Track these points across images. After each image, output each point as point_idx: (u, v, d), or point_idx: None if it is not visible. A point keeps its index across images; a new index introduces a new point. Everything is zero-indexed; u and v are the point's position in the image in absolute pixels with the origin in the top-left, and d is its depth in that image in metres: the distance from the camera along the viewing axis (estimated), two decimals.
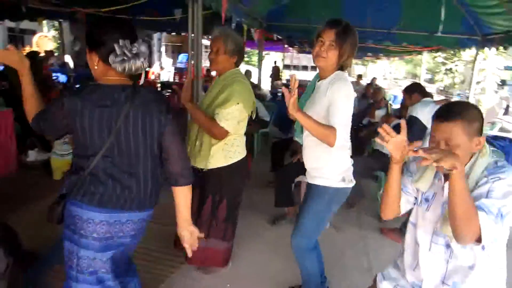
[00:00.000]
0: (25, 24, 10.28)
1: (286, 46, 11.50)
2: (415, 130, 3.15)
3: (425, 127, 3.14)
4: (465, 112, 1.38)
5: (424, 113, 3.13)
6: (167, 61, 18.07)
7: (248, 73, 8.18)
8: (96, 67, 1.58)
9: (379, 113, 5.16)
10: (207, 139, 2.38)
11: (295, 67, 26.29)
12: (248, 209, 3.60)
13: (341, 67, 2.08)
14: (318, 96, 2.10)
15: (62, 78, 9.74)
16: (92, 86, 1.55)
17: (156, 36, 16.19)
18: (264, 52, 19.56)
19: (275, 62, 17.10)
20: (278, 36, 9.30)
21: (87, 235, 1.57)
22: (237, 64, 2.46)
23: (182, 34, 11.45)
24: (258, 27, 6.94)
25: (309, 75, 17.83)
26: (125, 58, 1.50)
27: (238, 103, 2.30)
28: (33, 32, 14.57)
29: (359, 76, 13.98)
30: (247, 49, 7.61)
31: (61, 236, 1.65)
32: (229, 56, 2.36)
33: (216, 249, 2.62)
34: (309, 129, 1.89)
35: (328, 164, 2.10)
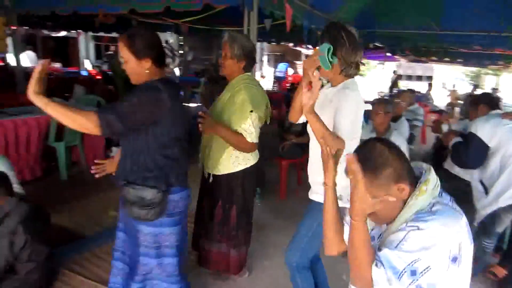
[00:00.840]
0: None
1: (388, 54, 10.79)
2: (473, 150, 2.67)
3: (485, 146, 2.62)
4: (367, 163, 1.13)
5: (485, 129, 2.61)
6: (268, 70, 18.60)
7: None
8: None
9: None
10: (217, 145, 2.39)
11: (409, 77, 24.40)
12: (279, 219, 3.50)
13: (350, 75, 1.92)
14: (326, 104, 1.96)
15: None
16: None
17: (259, 45, 16.86)
18: (376, 62, 18.73)
19: (394, 72, 16.11)
20: (377, 44, 8.80)
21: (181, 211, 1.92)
22: (246, 69, 2.42)
23: (282, 43, 11.65)
24: None
25: (423, 86, 16.45)
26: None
27: (251, 111, 2.29)
28: None
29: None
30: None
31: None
32: (236, 60, 2.35)
33: (229, 255, 2.60)
34: (318, 134, 1.74)
35: None
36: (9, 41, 6.09)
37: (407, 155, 1.32)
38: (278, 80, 13.45)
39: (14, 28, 6.59)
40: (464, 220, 1.13)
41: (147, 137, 1.73)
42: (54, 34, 13.58)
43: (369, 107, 3.44)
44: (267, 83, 14.38)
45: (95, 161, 2.05)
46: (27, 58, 13.21)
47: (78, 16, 5.46)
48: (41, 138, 4.41)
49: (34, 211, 2.40)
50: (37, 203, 2.53)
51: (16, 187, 2.61)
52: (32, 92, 1.52)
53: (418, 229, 1.07)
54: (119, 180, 1.80)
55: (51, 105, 1.55)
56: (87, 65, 14.91)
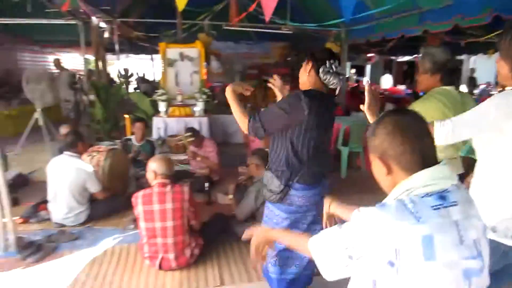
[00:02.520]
0: None
1: None
2: None
3: None
4: (373, 124, 1.19)
5: None
6: None
7: None
8: (307, 75, 2.19)
9: None
10: None
11: None
12: None
13: None
14: None
15: None
16: (315, 91, 2.14)
17: None
18: None
19: None
20: None
21: (300, 206, 2.24)
22: (444, 82, 2.36)
23: None
24: None
25: None
26: (330, 71, 2.16)
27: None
28: None
29: None
30: None
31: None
32: (429, 75, 2.38)
33: None
34: None
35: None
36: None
37: None
38: None
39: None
40: (421, 230, 0.99)
41: (284, 138, 2.17)
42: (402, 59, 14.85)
43: None
44: None
45: None
46: (385, 80, 15.27)
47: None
48: (332, 142, 5.52)
49: None
50: None
51: None
52: (231, 88, 2.20)
53: (358, 211, 1.09)
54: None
55: (232, 101, 2.21)
56: None
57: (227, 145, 7.03)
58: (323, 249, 1.15)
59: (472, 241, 1.04)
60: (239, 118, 2.15)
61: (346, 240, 1.07)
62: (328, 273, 1.13)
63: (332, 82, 2.14)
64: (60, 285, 2.71)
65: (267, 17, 3.03)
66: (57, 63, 8.07)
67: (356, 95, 11.74)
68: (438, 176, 1.09)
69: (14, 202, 3.81)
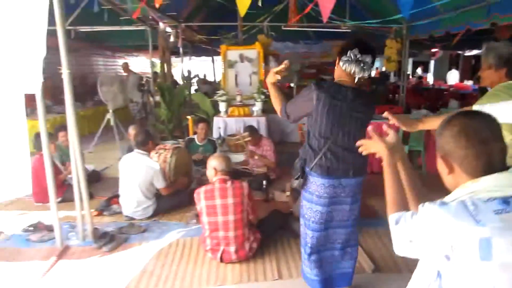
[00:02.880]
0: None
1: None
2: None
3: None
4: (442, 123, 1.20)
5: None
6: None
7: None
8: (336, 68, 2.27)
9: None
10: None
11: None
12: None
13: None
14: None
15: None
16: (330, 83, 2.24)
17: None
18: None
19: None
20: None
21: (320, 195, 2.30)
22: (509, 76, 2.26)
23: None
24: None
25: None
26: (349, 60, 2.19)
27: None
28: None
29: None
30: None
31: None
32: (493, 70, 2.28)
33: None
34: None
35: None
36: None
37: None
38: None
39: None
40: (480, 232, 1.00)
41: (307, 126, 2.32)
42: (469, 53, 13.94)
43: None
44: None
45: None
46: (451, 76, 14.49)
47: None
48: None
49: None
50: None
51: None
52: (267, 80, 2.43)
53: (422, 206, 1.13)
54: None
55: (271, 87, 2.39)
56: None
57: (284, 144, 7.10)
58: (394, 229, 1.22)
59: None
60: (275, 105, 2.42)
61: (411, 230, 1.14)
62: (396, 248, 1.20)
63: (354, 70, 2.14)
64: (131, 273, 2.96)
65: (325, 18, 3.04)
66: (125, 66, 8.66)
67: (417, 92, 11.27)
68: (503, 184, 1.08)
69: (89, 196, 4.19)
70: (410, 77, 13.87)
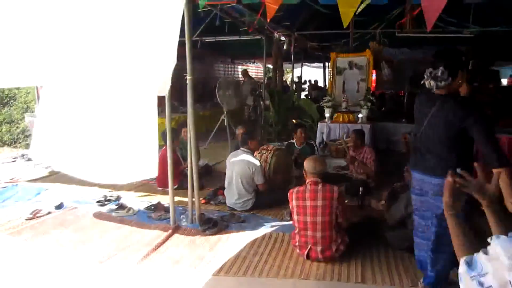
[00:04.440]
0: None
1: None
2: None
3: None
4: None
5: None
6: None
7: None
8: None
9: None
10: None
11: None
12: None
13: None
14: None
15: None
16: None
17: None
18: None
19: None
20: None
21: (414, 187, 2.64)
22: None
23: None
24: None
25: None
26: (425, 77, 2.40)
27: None
28: None
29: None
30: None
31: None
32: None
33: None
34: None
35: None
36: None
37: None
38: None
39: None
40: None
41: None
42: None
43: None
44: None
45: None
46: None
47: None
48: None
49: None
50: None
51: None
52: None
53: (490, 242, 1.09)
54: None
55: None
56: None
57: (389, 152, 6.91)
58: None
59: None
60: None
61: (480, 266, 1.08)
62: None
63: (432, 85, 2.38)
64: (228, 255, 3.35)
65: (429, 27, 3.00)
66: (244, 73, 9.42)
67: None
68: None
69: (201, 186, 4.77)
70: None
